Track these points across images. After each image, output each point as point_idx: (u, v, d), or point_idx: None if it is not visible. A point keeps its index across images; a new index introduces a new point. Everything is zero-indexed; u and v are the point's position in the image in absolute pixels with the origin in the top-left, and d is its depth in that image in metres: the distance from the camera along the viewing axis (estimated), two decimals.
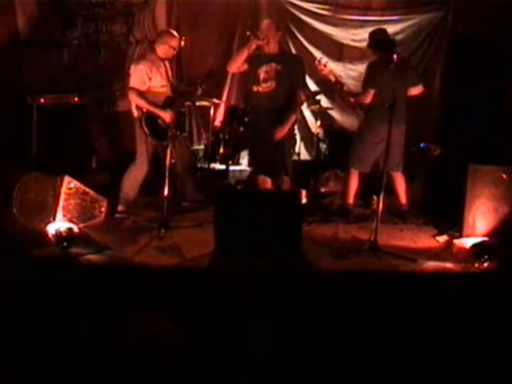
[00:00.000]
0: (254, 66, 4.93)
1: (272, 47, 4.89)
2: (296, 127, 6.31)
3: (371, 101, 4.85)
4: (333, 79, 5.01)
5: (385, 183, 4.45)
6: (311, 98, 6.28)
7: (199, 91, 5.06)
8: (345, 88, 5.29)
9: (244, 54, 4.89)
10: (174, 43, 4.91)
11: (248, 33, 4.87)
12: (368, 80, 4.90)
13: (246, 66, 5.02)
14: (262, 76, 4.89)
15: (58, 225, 4.38)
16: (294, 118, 4.93)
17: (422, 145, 5.94)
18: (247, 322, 3.22)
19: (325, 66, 4.98)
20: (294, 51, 6.58)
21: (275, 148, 4.94)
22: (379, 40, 4.94)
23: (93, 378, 2.70)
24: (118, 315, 3.20)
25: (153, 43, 5.14)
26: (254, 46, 4.83)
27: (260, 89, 4.92)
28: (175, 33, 5.02)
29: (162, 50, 4.92)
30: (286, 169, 5.08)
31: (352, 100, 5.21)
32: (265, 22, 4.96)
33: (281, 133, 4.83)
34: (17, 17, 6.00)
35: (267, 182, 5.05)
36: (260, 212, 4.21)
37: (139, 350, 2.88)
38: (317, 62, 5.00)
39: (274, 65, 4.86)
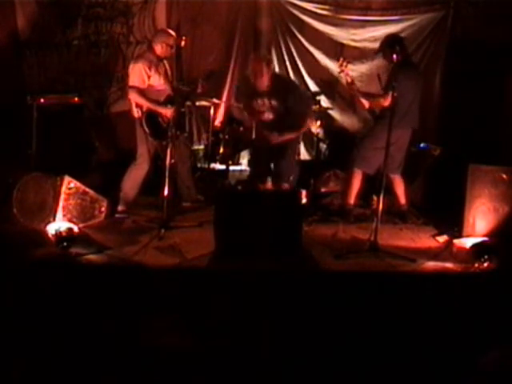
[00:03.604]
0: (247, 97, 5.04)
1: (262, 82, 4.88)
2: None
3: (390, 104, 4.82)
4: (349, 80, 5.03)
5: (385, 184, 4.45)
6: (311, 99, 6.28)
7: (199, 89, 5.08)
8: (359, 90, 5.25)
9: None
10: (171, 41, 4.93)
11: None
12: (390, 83, 4.86)
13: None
14: (256, 108, 4.97)
15: (58, 225, 4.38)
16: (293, 135, 5.07)
17: (422, 145, 5.93)
18: (247, 322, 3.22)
19: (346, 66, 5.02)
20: (294, 52, 6.59)
21: (275, 158, 5.00)
22: (398, 43, 4.94)
23: (92, 377, 2.70)
24: (118, 315, 3.20)
25: (151, 42, 5.15)
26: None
27: (259, 119, 4.98)
28: (171, 31, 5.05)
29: (160, 48, 4.93)
30: (283, 177, 5.11)
31: (367, 105, 5.13)
32: (252, 58, 5.03)
33: (275, 139, 4.90)
34: (17, 17, 6.01)
35: (267, 184, 5.10)
36: (260, 212, 4.21)
37: (139, 350, 2.88)
38: (340, 62, 5.05)
39: (266, 100, 4.92)
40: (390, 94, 4.73)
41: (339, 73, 5.10)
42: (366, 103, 5.10)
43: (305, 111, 5.19)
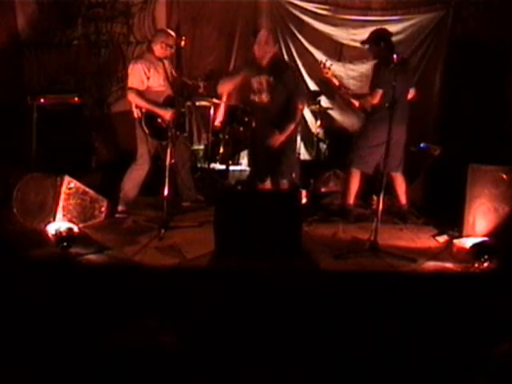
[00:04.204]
0: (248, 73, 4.94)
1: (265, 60, 4.81)
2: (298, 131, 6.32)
3: (379, 101, 4.82)
4: (336, 83, 5.01)
5: (385, 183, 4.45)
6: (311, 99, 6.28)
7: (201, 88, 5.07)
8: (349, 91, 5.24)
9: (235, 81, 4.96)
10: (171, 41, 4.92)
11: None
12: (376, 80, 4.88)
13: (235, 90, 5.18)
14: (254, 86, 4.90)
15: (58, 225, 4.38)
16: (292, 126, 4.91)
17: (422, 145, 5.93)
18: (247, 322, 3.22)
19: (329, 68, 5.00)
20: (293, 52, 6.59)
21: (275, 155, 4.95)
22: (384, 40, 4.93)
23: (92, 377, 2.70)
24: (117, 315, 3.20)
25: (150, 43, 5.15)
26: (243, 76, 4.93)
27: (256, 99, 4.93)
28: (171, 31, 5.04)
29: (159, 48, 4.92)
30: (284, 174, 5.07)
31: (357, 104, 5.11)
32: (263, 34, 4.84)
33: (277, 140, 4.82)
34: (17, 17, 6.02)
35: (267, 184, 5.08)
36: (260, 212, 4.21)
37: (139, 351, 2.87)
38: (321, 65, 5.03)
39: (265, 77, 4.85)
40: (378, 91, 4.75)
41: (325, 75, 5.07)
42: (355, 103, 5.11)
43: (297, 92, 5.00)
